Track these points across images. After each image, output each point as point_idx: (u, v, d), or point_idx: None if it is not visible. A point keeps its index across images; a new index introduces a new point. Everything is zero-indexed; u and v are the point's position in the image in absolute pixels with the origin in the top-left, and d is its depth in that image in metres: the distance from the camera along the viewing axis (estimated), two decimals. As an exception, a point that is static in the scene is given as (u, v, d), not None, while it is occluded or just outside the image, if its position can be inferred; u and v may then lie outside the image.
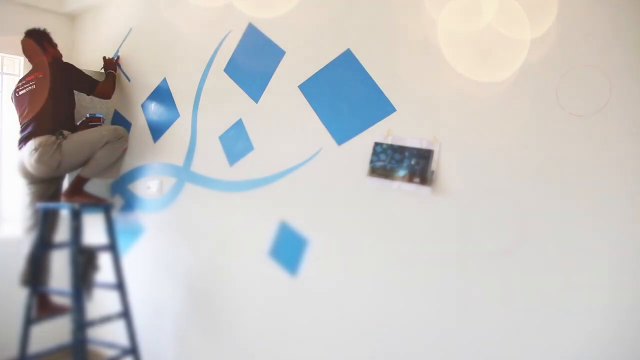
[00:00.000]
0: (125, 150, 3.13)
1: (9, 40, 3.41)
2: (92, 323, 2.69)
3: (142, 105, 3.19)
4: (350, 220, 2.27)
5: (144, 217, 3.19)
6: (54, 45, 3.09)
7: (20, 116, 2.94)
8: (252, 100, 2.64)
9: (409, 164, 2.08)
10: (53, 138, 2.78)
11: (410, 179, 2.07)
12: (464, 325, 1.95)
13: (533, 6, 1.81)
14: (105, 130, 3.00)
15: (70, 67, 3.03)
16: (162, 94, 3.09)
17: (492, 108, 1.90)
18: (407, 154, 2.09)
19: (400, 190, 2.10)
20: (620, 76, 1.64)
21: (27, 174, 2.89)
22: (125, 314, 2.87)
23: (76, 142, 2.86)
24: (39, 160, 2.76)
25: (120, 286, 2.87)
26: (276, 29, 2.55)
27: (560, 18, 1.75)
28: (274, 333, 2.55)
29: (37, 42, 3.02)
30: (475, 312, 1.92)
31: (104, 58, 3.32)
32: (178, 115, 3.00)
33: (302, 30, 2.46)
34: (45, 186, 2.96)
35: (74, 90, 3.03)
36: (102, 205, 2.93)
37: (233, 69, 2.73)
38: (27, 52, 3.06)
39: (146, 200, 3.18)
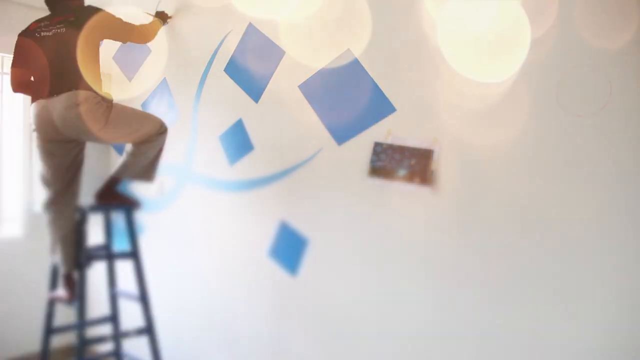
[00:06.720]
0: (161, 150, 2.68)
1: (9, 40, 3.41)
2: (92, 323, 2.66)
3: (142, 106, 3.19)
4: (350, 220, 2.27)
5: (145, 217, 3.19)
6: None
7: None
8: (252, 100, 2.64)
9: (409, 164, 2.08)
10: (99, 97, 2.36)
11: (410, 179, 2.07)
12: (463, 324, 1.95)
13: (533, 6, 1.81)
14: (153, 116, 2.62)
15: (102, 11, 2.49)
16: (162, 94, 3.09)
17: (492, 108, 1.90)
18: (407, 154, 2.09)
19: (400, 190, 2.10)
20: (620, 76, 1.64)
21: (48, 131, 2.36)
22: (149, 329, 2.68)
23: (124, 112, 2.49)
24: (82, 118, 2.29)
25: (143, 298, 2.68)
26: (276, 29, 2.55)
27: (560, 18, 1.75)
28: (274, 333, 2.55)
29: None
30: (475, 312, 1.92)
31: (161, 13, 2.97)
32: (178, 115, 3.00)
33: (302, 30, 2.46)
34: (66, 149, 2.45)
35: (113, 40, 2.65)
36: (130, 206, 2.73)
37: (233, 69, 2.73)
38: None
39: (147, 200, 3.17)
